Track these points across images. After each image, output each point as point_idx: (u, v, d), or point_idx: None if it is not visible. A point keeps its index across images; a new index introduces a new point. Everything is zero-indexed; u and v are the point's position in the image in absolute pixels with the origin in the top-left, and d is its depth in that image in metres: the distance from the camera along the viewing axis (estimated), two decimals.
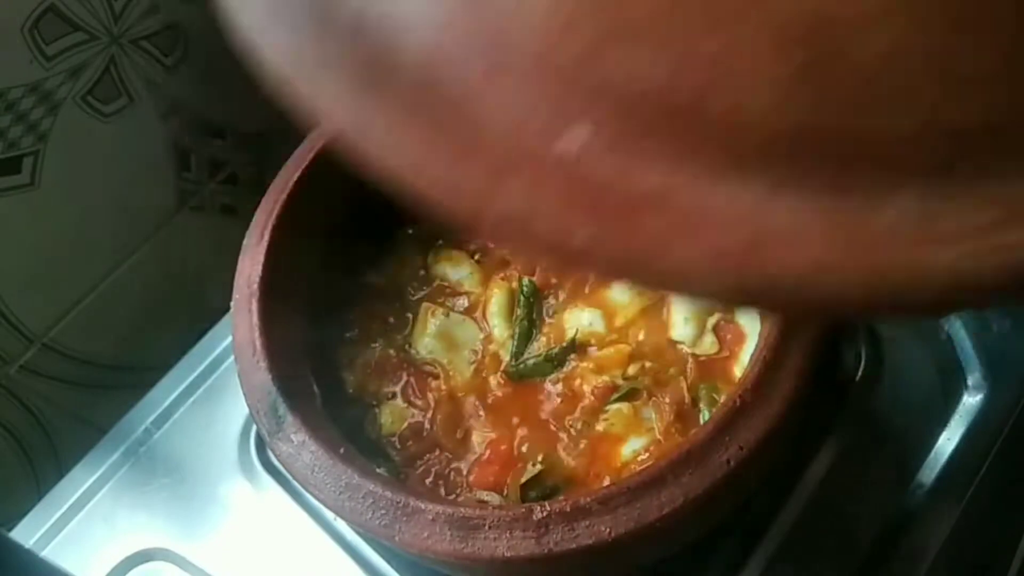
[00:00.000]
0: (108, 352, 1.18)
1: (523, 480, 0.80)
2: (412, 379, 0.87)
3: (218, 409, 1.03)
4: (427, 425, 0.85)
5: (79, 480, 1.02)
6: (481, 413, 0.85)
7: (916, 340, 0.94)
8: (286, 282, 0.82)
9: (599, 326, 0.86)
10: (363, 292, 0.92)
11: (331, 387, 0.85)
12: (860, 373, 0.93)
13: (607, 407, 0.82)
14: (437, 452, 0.84)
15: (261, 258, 0.81)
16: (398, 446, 0.85)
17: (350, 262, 0.93)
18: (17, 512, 1.02)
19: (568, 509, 0.64)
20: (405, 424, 0.86)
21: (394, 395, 0.87)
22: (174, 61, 1.09)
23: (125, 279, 1.15)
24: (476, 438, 0.84)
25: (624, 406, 0.82)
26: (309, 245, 0.86)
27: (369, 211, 0.91)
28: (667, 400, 0.81)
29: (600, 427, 0.82)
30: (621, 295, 0.87)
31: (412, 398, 0.87)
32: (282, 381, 0.75)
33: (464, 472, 0.82)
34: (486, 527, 0.65)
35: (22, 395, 1.11)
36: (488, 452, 0.82)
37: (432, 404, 0.86)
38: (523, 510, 0.64)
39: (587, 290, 0.89)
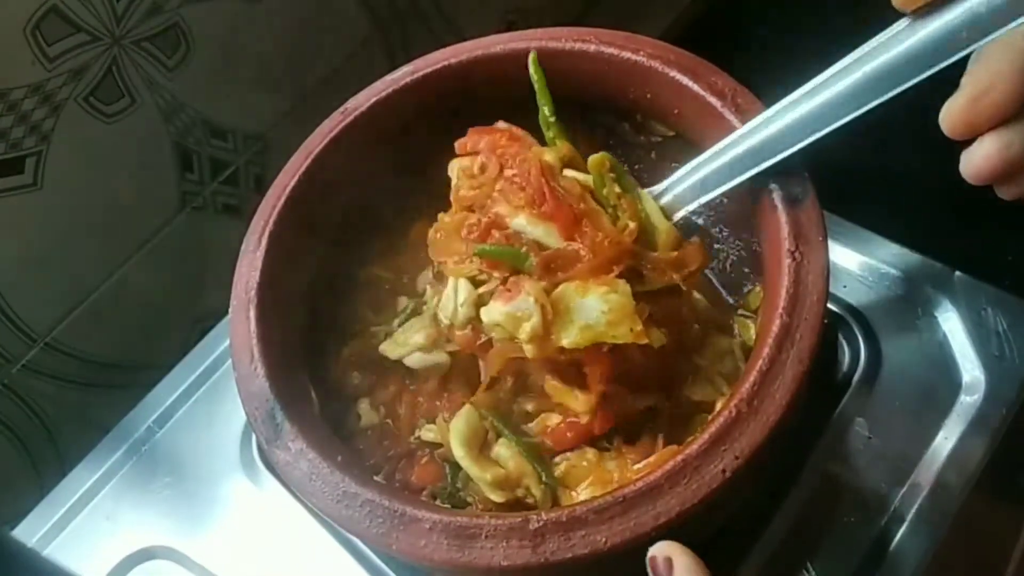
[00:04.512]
0: (110, 351, 1.19)
1: None
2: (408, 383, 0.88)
3: (220, 408, 1.04)
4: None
5: (81, 479, 1.02)
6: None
7: (913, 341, 0.95)
8: (284, 287, 0.82)
9: None
10: (362, 294, 0.93)
11: (328, 391, 0.85)
12: (858, 374, 0.93)
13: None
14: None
15: (258, 264, 0.81)
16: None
17: (349, 265, 0.93)
18: (20, 511, 1.02)
19: (564, 519, 0.64)
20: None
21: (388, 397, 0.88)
22: (176, 62, 1.09)
23: (128, 279, 1.15)
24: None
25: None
26: (307, 249, 0.86)
27: (369, 211, 0.92)
28: None
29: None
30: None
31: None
32: (280, 389, 0.75)
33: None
34: (482, 536, 0.65)
35: (24, 394, 1.12)
36: None
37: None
38: (519, 519, 0.65)
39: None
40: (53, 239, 1.07)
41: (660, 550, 0.61)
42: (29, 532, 0.99)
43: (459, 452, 0.79)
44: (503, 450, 0.79)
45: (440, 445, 0.83)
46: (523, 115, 0.89)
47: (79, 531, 0.99)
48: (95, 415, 1.17)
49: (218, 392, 1.05)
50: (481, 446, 0.80)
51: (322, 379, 0.85)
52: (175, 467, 1.01)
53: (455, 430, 0.80)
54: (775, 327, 0.69)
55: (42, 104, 0.99)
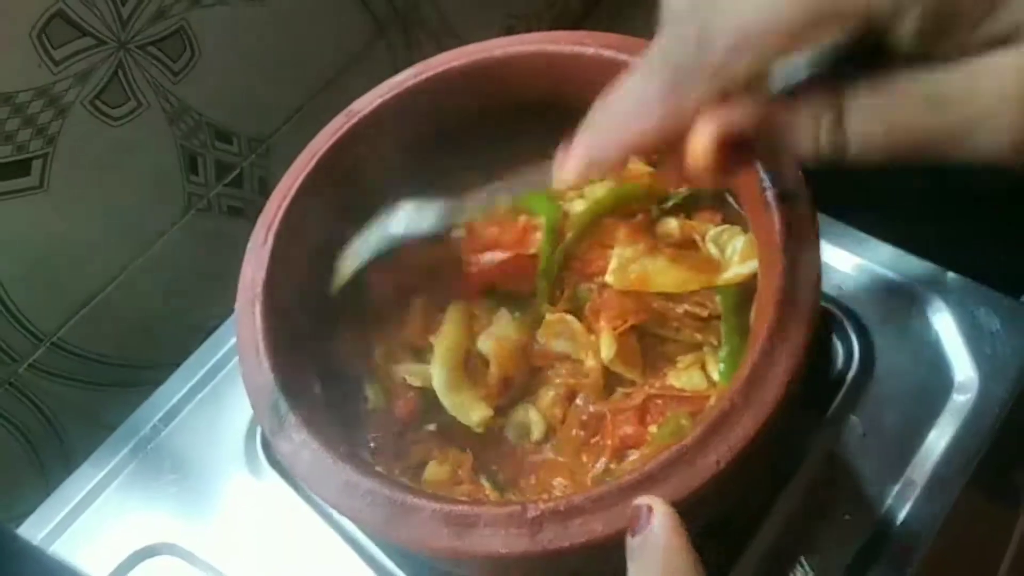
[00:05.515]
0: (116, 351, 1.20)
1: None
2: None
3: (224, 406, 1.05)
4: None
5: (87, 476, 1.03)
6: None
7: (906, 339, 0.95)
8: (290, 283, 0.83)
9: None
10: (366, 291, 0.93)
11: (333, 384, 0.86)
12: (852, 373, 0.94)
13: None
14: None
15: (265, 261, 0.82)
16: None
17: None
18: (26, 508, 1.03)
19: (562, 508, 0.65)
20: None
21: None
22: (182, 66, 1.10)
23: (133, 279, 1.16)
24: None
25: None
26: (311, 248, 0.87)
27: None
28: None
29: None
30: None
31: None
32: (284, 381, 0.76)
33: None
34: (481, 524, 0.66)
35: (31, 393, 1.12)
36: None
37: None
38: (518, 508, 0.66)
39: None
40: (60, 240, 1.07)
41: (643, 499, 0.61)
42: (35, 529, 1.00)
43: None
44: None
45: None
46: (526, 117, 0.90)
47: (84, 528, 1.00)
48: (101, 413, 1.18)
49: (223, 391, 1.06)
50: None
51: (327, 370, 0.86)
52: (180, 464, 1.02)
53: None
54: (769, 321, 0.70)
55: (48, 107, 1.00)
